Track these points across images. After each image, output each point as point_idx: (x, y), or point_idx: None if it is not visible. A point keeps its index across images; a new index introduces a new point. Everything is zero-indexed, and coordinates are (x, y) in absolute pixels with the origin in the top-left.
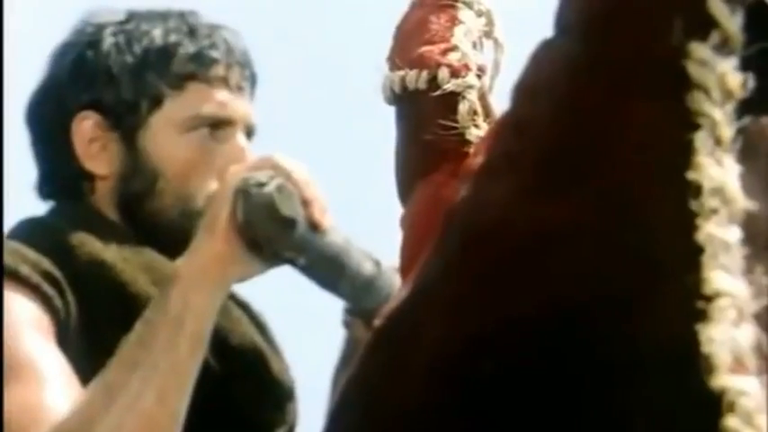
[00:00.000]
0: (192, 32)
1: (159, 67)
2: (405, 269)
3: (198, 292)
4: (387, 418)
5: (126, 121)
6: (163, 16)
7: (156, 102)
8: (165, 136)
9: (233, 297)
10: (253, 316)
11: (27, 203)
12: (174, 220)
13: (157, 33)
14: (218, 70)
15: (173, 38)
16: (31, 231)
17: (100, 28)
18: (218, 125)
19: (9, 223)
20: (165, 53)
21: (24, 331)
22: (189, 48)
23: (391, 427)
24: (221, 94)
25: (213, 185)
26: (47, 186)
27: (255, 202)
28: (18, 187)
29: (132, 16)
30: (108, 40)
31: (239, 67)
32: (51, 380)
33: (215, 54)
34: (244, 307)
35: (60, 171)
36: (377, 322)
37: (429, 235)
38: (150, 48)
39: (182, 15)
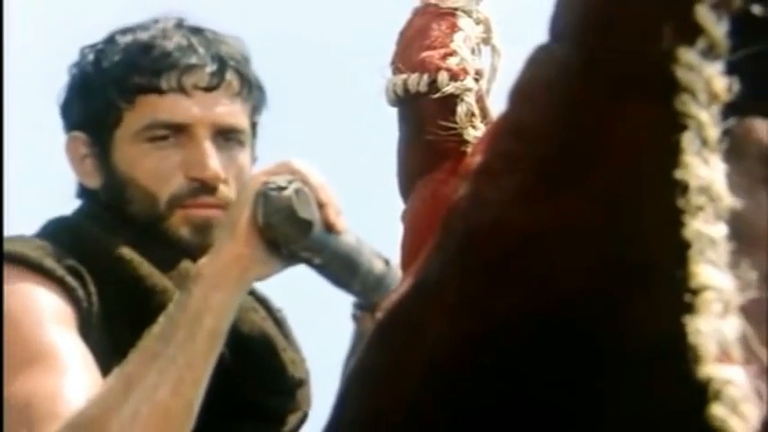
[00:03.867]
0: (147, 46)
1: (117, 85)
2: (405, 261)
3: (218, 291)
4: (388, 409)
5: (100, 139)
6: (141, 28)
7: (118, 119)
8: (127, 149)
9: (252, 292)
10: (271, 311)
11: (27, 204)
12: (146, 223)
13: (119, 51)
14: (170, 79)
15: (129, 54)
16: (55, 229)
17: (89, 47)
18: (176, 131)
19: (9, 223)
20: (121, 71)
21: (48, 321)
22: (140, 62)
23: (392, 417)
24: (174, 101)
25: (174, 189)
26: (77, 190)
27: (275, 205)
28: (18, 188)
29: (119, 30)
30: (87, 59)
31: (202, 70)
32: (72, 369)
33: (166, 63)
34: (262, 301)
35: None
36: (378, 315)
37: (429, 229)
38: (110, 67)
39: (153, 25)
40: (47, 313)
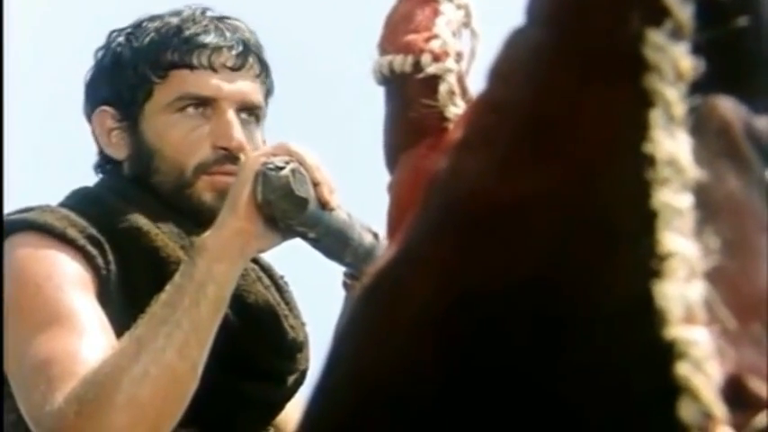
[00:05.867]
0: (179, 28)
1: (150, 61)
2: (391, 228)
3: (221, 262)
4: (375, 367)
5: (129, 112)
6: (169, 14)
7: (149, 92)
8: (156, 120)
9: (257, 261)
10: (274, 278)
11: (26, 203)
12: (171, 191)
13: (151, 32)
14: (202, 56)
15: (162, 34)
16: (79, 200)
17: (117, 31)
18: (204, 104)
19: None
20: (154, 49)
21: (69, 286)
22: (174, 41)
23: (379, 375)
24: (203, 77)
25: (200, 157)
26: (99, 163)
27: (273, 184)
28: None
29: (147, 18)
30: (117, 41)
31: (229, 51)
32: (90, 332)
33: (199, 41)
34: (266, 270)
35: (100, 154)
36: (365, 279)
37: (412, 200)
38: (142, 46)
39: (181, 12)
40: (68, 279)
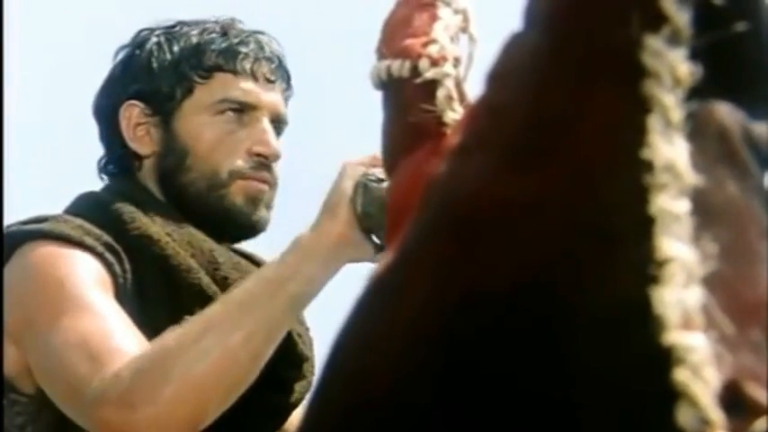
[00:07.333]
0: (224, 33)
1: (192, 61)
2: (390, 234)
3: (311, 261)
4: (373, 368)
5: (164, 108)
6: (203, 21)
7: (189, 90)
8: (194, 119)
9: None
10: None
11: (27, 203)
12: (201, 191)
13: (194, 34)
14: (245, 64)
15: (206, 37)
16: (90, 206)
17: (149, 31)
18: (243, 110)
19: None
20: (198, 49)
21: (90, 284)
22: (219, 44)
23: (377, 376)
24: (246, 83)
25: (237, 162)
26: (105, 166)
27: (374, 196)
28: (18, 187)
29: (180, 23)
30: (152, 41)
31: (268, 63)
32: (113, 319)
33: (242, 49)
34: None
35: (114, 152)
36: (367, 282)
37: (411, 205)
38: (186, 46)
39: (219, 21)
40: (89, 278)
